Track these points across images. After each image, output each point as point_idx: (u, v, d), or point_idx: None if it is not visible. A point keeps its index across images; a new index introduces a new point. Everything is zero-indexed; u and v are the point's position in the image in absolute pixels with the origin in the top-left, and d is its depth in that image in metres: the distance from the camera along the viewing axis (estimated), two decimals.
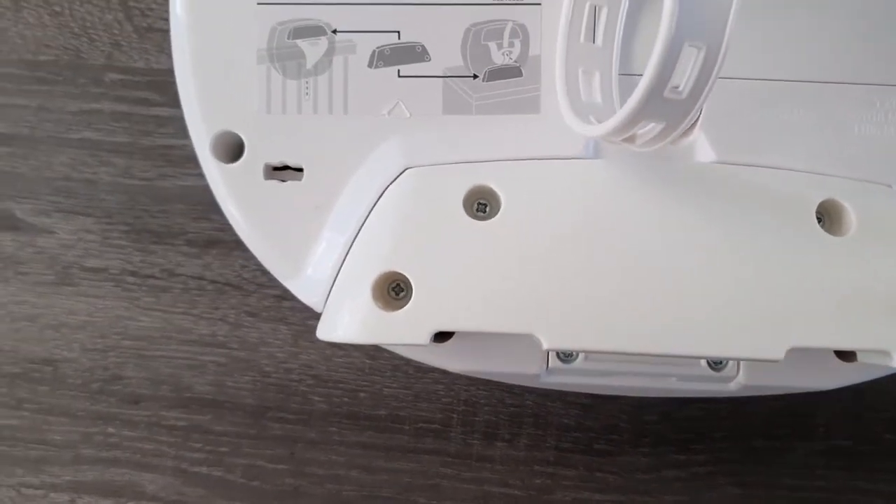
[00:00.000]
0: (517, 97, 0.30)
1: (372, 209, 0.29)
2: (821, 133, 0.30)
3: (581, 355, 0.31)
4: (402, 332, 0.27)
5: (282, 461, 0.38)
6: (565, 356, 0.31)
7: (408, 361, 0.38)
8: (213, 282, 0.39)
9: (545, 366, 0.31)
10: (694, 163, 0.29)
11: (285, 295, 0.37)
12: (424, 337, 0.27)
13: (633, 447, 0.38)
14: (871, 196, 0.29)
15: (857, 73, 0.30)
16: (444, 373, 0.38)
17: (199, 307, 0.39)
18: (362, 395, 0.38)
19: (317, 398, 0.38)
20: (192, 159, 0.31)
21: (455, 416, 0.38)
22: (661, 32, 0.21)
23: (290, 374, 0.38)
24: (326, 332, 0.28)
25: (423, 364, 0.32)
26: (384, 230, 0.28)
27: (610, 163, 0.29)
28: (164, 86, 0.39)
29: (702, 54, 0.22)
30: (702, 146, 0.29)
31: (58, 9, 0.39)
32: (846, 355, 0.30)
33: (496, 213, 0.28)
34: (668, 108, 0.24)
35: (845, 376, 0.30)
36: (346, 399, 0.38)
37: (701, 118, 0.29)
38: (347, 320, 0.28)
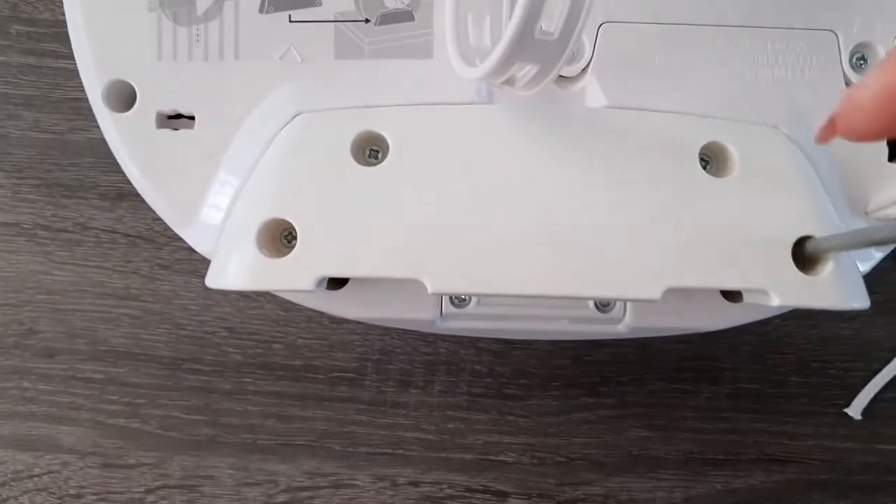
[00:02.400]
0: (409, 42, 0.30)
1: (262, 156, 0.29)
2: (710, 76, 0.30)
3: (473, 300, 0.31)
4: (287, 279, 0.27)
5: (197, 412, 0.38)
6: (458, 301, 0.31)
7: (321, 312, 0.38)
8: (125, 235, 0.39)
9: (439, 311, 0.31)
10: (584, 108, 0.30)
11: None
12: (309, 283, 0.27)
13: (543, 391, 0.38)
14: (756, 138, 0.29)
15: (748, 17, 0.30)
16: (359, 323, 0.38)
17: (112, 260, 0.39)
18: (276, 345, 0.38)
19: (231, 349, 0.38)
20: None
21: (370, 364, 0.38)
22: None
23: (205, 327, 0.38)
24: (214, 279, 0.28)
25: (325, 312, 0.32)
26: (272, 177, 0.29)
27: (501, 108, 0.29)
28: None
29: None
30: (592, 91, 0.30)
31: None
32: (733, 296, 0.31)
33: (385, 159, 0.28)
34: (540, 50, 0.24)
35: (732, 317, 0.31)
36: (260, 350, 0.38)
37: (592, 63, 0.30)
38: (234, 267, 0.28)
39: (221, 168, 0.30)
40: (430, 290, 0.27)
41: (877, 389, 0.38)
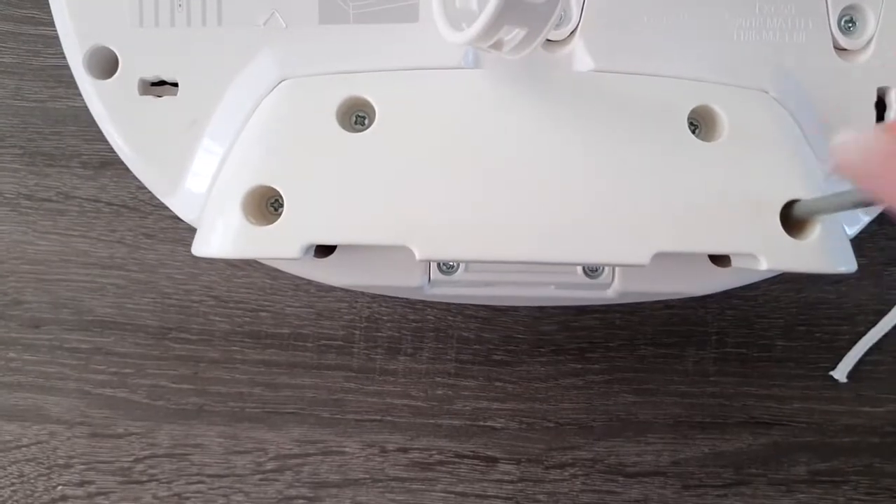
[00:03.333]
0: (395, 5, 0.30)
1: (247, 123, 0.29)
2: (699, 39, 0.30)
3: (461, 266, 0.31)
4: (273, 247, 0.27)
5: (185, 381, 0.38)
6: (446, 268, 0.31)
7: (309, 280, 0.38)
8: (109, 204, 0.38)
9: (427, 278, 0.31)
10: (572, 72, 0.29)
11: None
12: (295, 251, 0.27)
13: (531, 357, 0.38)
14: (744, 101, 0.29)
15: None
16: (347, 291, 0.38)
17: (96, 230, 0.38)
18: (264, 314, 0.38)
19: (218, 318, 0.38)
20: None
21: (358, 332, 0.38)
22: None
23: (191, 295, 0.38)
24: (200, 247, 0.28)
25: (313, 280, 0.32)
26: (257, 144, 0.28)
27: (488, 73, 0.29)
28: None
29: None
30: (580, 55, 0.29)
31: None
32: (721, 260, 0.31)
33: (371, 125, 0.28)
34: (527, 14, 0.24)
35: (721, 281, 0.31)
36: (247, 318, 0.38)
37: (580, 27, 0.29)
38: (220, 235, 0.27)
39: (206, 135, 0.30)
40: (417, 256, 0.27)
41: (862, 352, 0.38)
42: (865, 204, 0.23)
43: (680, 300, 0.39)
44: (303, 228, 0.27)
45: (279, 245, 0.27)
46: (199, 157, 0.30)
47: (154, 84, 0.30)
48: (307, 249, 0.27)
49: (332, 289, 0.38)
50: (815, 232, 0.27)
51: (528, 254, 0.27)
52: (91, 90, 0.30)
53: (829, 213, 0.26)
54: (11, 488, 0.37)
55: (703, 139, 0.28)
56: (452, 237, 0.27)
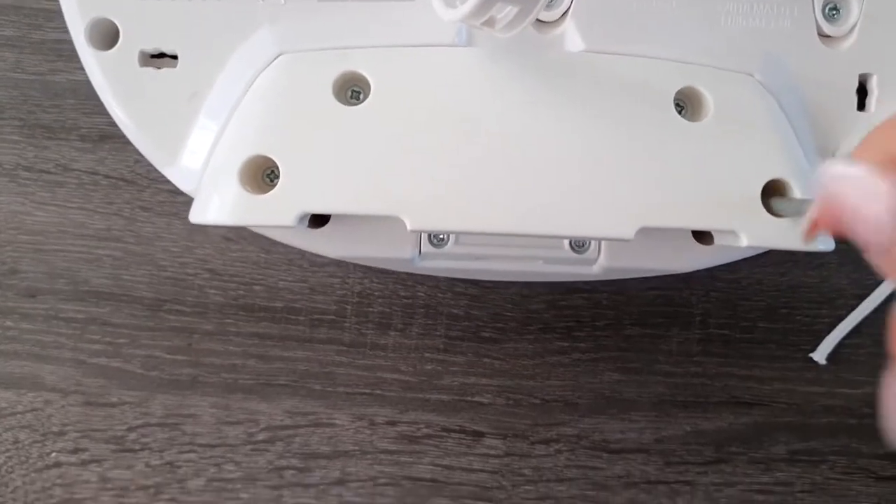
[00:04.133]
0: None
1: (245, 95, 0.29)
2: (688, 22, 0.30)
3: (451, 240, 0.32)
4: (270, 214, 0.28)
5: (179, 352, 0.39)
6: (437, 241, 0.32)
7: (302, 255, 0.39)
8: (107, 177, 0.39)
9: (418, 250, 0.32)
10: (563, 52, 0.30)
11: (178, 189, 0.38)
12: (291, 219, 0.27)
13: (519, 335, 0.39)
14: (730, 84, 0.30)
15: None
16: (339, 266, 0.39)
17: (93, 202, 0.39)
18: (257, 287, 0.39)
19: (212, 291, 0.39)
20: None
21: (349, 307, 0.39)
22: None
23: (186, 268, 0.39)
24: (198, 214, 0.29)
25: (306, 251, 0.33)
26: (255, 115, 0.29)
27: (481, 51, 0.29)
28: None
29: None
30: (571, 36, 0.30)
31: None
32: (704, 238, 0.31)
33: (366, 99, 0.28)
34: None
35: (704, 258, 0.32)
36: (241, 292, 0.39)
37: (571, 8, 0.30)
38: (217, 203, 0.28)
39: (204, 107, 0.30)
40: (409, 227, 0.27)
41: (842, 335, 0.39)
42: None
43: (665, 282, 0.39)
44: (298, 197, 0.27)
45: (275, 213, 0.27)
46: (198, 128, 0.30)
47: (154, 56, 0.31)
48: (302, 218, 0.28)
49: (324, 264, 0.39)
50: None
51: (516, 226, 0.28)
52: (92, 61, 0.31)
53: (795, 215, 0.27)
54: (6, 454, 0.38)
55: (688, 119, 0.29)
56: (443, 209, 0.28)
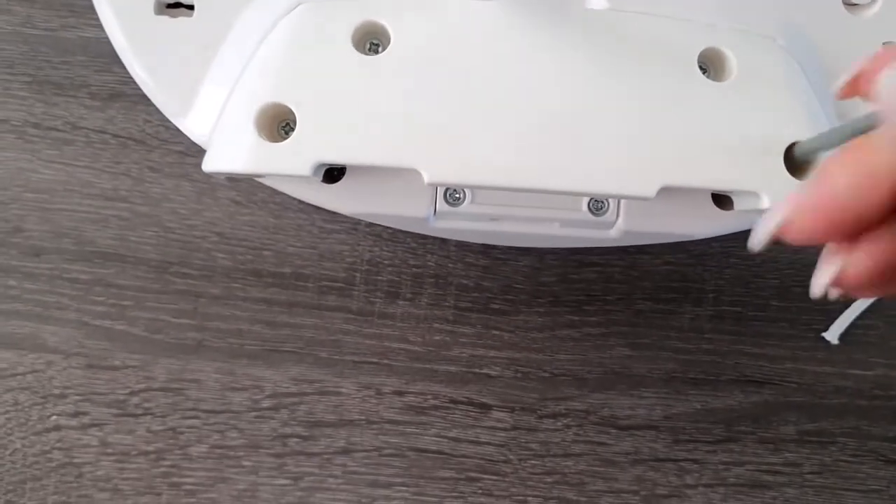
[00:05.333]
0: None
1: (262, 44, 0.29)
2: None
3: (467, 199, 0.31)
4: (285, 163, 0.27)
5: (185, 315, 0.38)
6: (452, 200, 0.31)
7: (312, 221, 0.39)
8: (115, 136, 0.38)
9: (433, 209, 0.31)
10: (586, 9, 0.30)
11: (188, 151, 0.38)
12: (306, 168, 0.27)
13: (529, 307, 0.39)
14: (754, 47, 0.30)
15: None
16: (349, 233, 0.38)
17: (101, 161, 0.38)
18: (266, 252, 0.38)
19: (220, 255, 0.38)
20: (94, 10, 0.31)
21: (358, 275, 0.39)
22: None
23: (194, 231, 0.38)
24: (211, 163, 0.28)
25: (319, 206, 0.32)
26: (272, 63, 0.28)
27: (504, 4, 0.29)
28: None
29: None
30: None
31: None
32: (723, 203, 0.31)
33: (386, 50, 0.28)
34: None
35: (723, 223, 0.31)
36: (249, 256, 0.38)
37: None
38: (232, 151, 0.28)
39: (219, 57, 0.30)
40: (426, 179, 0.27)
41: (854, 315, 0.39)
42: (858, 133, 0.22)
43: (678, 258, 0.39)
44: (315, 146, 0.27)
45: (291, 162, 0.27)
46: (211, 79, 0.30)
47: (170, 6, 0.30)
48: (318, 168, 0.27)
49: (334, 231, 0.39)
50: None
51: (535, 181, 0.27)
52: (107, 8, 0.30)
53: (826, 148, 0.26)
54: (5, 416, 0.37)
55: (712, 80, 0.29)
56: (461, 162, 0.27)
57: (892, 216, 0.18)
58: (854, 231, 0.19)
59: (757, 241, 0.20)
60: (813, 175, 0.19)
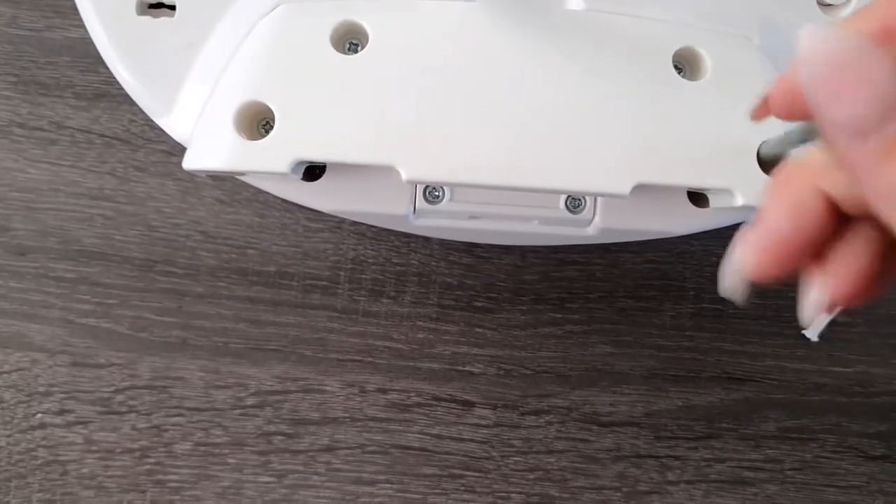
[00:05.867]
0: None
1: (243, 44, 0.29)
2: None
3: (446, 196, 0.32)
4: (264, 161, 0.27)
5: (169, 314, 0.38)
6: (431, 197, 0.32)
7: (297, 220, 0.39)
8: (101, 135, 0.39)
9: (412, 207, 0.32)
10: (564, 9, 0.30)
11: (173, 150, 0.38)
12: (285, 165, 0.27)
13: (512, 305, 0.39)
14: (728, 46, 0.30)
15: None
16: (333, 232, 0.39)
17: (86, 160, 0.39)
18: (251, 251, 0.39)
19: (205, 253, 0.39)
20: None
21: (343, 273, 0.39)
22: None
23: (178, 230, 0.39)
24: (192, 161, 0.28)
25: (299, 203, 0.32)
26: (252, 62, 0.29)
27: (482, 5, 0.29)
28: None
29: None
30: None
31: None
32: (699, 200, 0.31)
33: (364, 49, 0.28)
34: None
35: (699, 221, 0.32)
36: (234, 255, 0.39)
37: None
38: (212, 149, 0.28)
39: (200, 57, 0.30)
40: (404, 177, 0.27)
41: (834, 313, 0.39)
42: (812, 136, 0.22)
43: (659, 256, 0.39)
44: (293, 144, 0.27)
45: (269, 160, 0.27)
46: (193, 78, 0.30)
47: (152, 6, 0.31)
48: (297, 166, 0.27)
49: (318, 230, 0.39)
50: None
51: (511, 179, 0.28)
52: (89, 8, 0.30)
53: (789, 149, 0.27)
54: None
55: (686, 80, 0.29)
56: (438, 160, 0.27)
57: (844, 228, 0.19)
58: (813, 253, 0.19)
59: (733, 292, 0.21)
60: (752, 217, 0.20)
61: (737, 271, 0.20)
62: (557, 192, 0.31)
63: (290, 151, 0.27)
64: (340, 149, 0.27)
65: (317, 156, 0.28)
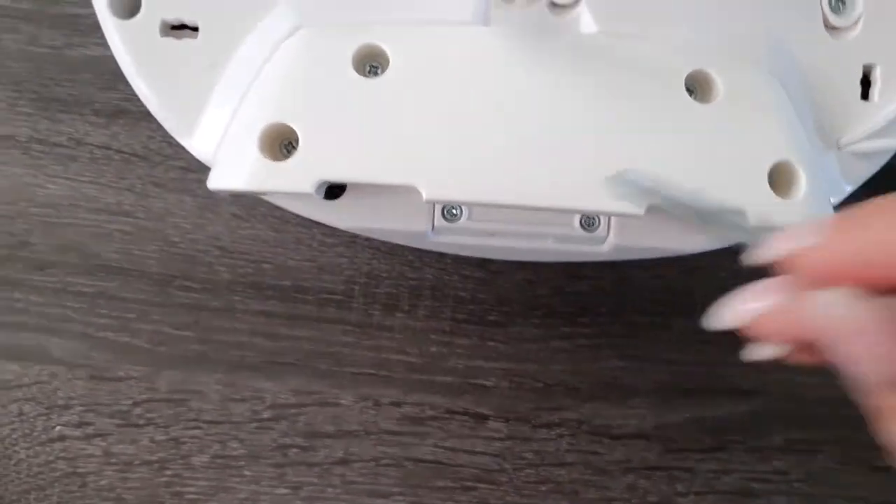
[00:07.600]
0: None
1: (264, 66, 0.30)
2: (698, 8, 0.31)
3: (464, 214, 0.32)
4: (288, 181, 0.28)
5: (187, 328, 0.39)
6: (450, 216, 0.32)
7: (312, 235, 0.39)
8: (119, 152, 0.39)
9: (431, 224, 0.32)
10: (577, 33, 0.31)
11: (191, 166, 0.39)
12: (309, 185, 0.28)
13: (524, 319, 0.40)
14: (739, 69, 0.31)
15: None
16: (348, 246, 0.39)
17: (105, 176, 0.39)
18: (266, 266, 0.39)
19: (222, 268, 0.39)
20: (99, 28, 0.32)
21: (357, 287, 0.39)
22: None
23: (196, 245, 0.39)
24: (216, 181, 0.29)
25: (320, 221, 0.33)
26: (275, 85, 0.30)
27: (498, 31, 0.30)
28: None
29: None
30: (585, 18, 0.31)
31: None
32: None
33: (385, 73, 0.29)
34: None
35: (710, 240, 0.32)
36: (250, 270, 0.39)
37: None
38: (236, 169, 0.29)
39: (223, 78, 0.31)
40: (425, 196, 0.28)
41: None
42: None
43: (668, 270, 0.40)
44: (317, 165, 0.28)
45: (294, 180, 0.28)
46: (216, 99, 0.31)
47: (175, 28, 0.31)
48: (320, 186, 0.28)
49: (333, 244, 0.39)
50: (801, 193, 0.29)
51: (528, 199, 0.28)
52: (113, 30, 0.31)
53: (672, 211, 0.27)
54: (10, 426, 0.38)
55: (698, 102, 0.30)
56: (458, 180, 0.28)
57: None
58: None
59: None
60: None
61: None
62: (573, 212, 0.32)
63: (314, 172, 0.28)
64: (363, 169, 0.28)
65: (341, 176, 0.28)
